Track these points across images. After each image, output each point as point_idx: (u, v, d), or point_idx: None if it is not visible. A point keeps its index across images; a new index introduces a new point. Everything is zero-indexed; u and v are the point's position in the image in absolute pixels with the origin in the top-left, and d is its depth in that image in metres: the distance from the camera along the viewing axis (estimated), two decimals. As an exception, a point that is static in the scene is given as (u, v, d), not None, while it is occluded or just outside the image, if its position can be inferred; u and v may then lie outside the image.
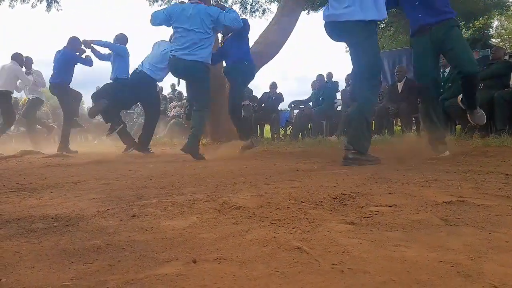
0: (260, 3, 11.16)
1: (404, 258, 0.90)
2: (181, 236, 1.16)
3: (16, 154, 5.26)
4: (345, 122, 7.00)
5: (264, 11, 11.19)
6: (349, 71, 7.70)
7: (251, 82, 6.09)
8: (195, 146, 4.23)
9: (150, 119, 5.65)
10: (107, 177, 2.70)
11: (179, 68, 4.39)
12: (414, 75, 3.73)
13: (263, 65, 7.36)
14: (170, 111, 10.49)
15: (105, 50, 6.09)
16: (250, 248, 1.02)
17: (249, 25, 4.80)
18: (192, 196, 1.79)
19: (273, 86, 9.24)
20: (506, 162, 2.69)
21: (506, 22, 21.85)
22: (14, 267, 0.94)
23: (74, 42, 6.22)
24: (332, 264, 0.87)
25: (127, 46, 6.00)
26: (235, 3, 10.89)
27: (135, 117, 11.85)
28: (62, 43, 5.94)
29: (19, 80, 7.22)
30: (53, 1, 9.57)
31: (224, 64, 5.02)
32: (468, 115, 3.60)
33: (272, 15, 8.17)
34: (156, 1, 10.38)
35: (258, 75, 7.88)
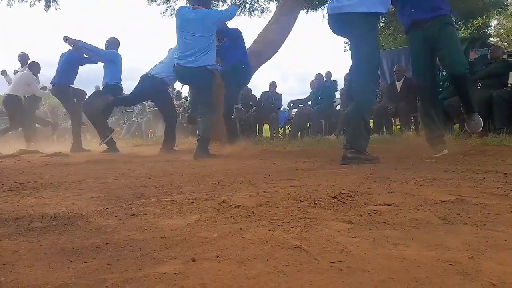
0: (259, 2, 11.14)
1: (403, 256, 0.90)
2: (180, 235, 1.16)
3: (15, 153, 5.24)
4: (344, 121, 7.01)
5: (263, 10, 11.18)
6: (348, 71, 7.71)
7: (250, 82, 6.12)
8: (205, 151, 4.29)
9: (169, 123, 5.68)
10: (105, 176, 2.69)
11: (186, 76, 4.42)
12: (413, 74, 3.73)
13: (262, 64, 7.35)
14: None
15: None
16: (249, 246, 1.02)
17: (240, 32, 4.89)
18: (191, 195, 1.79)
19: (273, 85, 9.24)
20: (505, 161, 2.70)
21: (504, 22, 21.86)
22: (13, 266, 0.94)
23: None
24: (331, 262, 0.87)
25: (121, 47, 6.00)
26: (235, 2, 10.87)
27: (134, 116, 11.84)
28: (62, 43, 5.85)
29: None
30: (52, 0, 9.54)
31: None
32: (465, 120, 3.57)
33: (271, 14, 8.16)
34: (155, 0, 10.36)
35: (257, 74, 7.87)
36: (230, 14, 4.51)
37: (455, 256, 0.89)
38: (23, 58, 7.74)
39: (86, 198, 1.83)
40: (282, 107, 9.48)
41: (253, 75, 7.00)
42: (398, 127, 7.61)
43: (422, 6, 3.20)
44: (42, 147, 6.46)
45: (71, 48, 6.04)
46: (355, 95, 3.20)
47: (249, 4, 11.06)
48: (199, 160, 4.04)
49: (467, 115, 3.46)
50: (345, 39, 17.50)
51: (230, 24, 5.10)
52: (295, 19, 7.35)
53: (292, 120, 8.81)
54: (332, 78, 8.77)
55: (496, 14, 15.06)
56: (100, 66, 6.15)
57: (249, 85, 8.81)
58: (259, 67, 7.25)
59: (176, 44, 4.50)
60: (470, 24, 13.07)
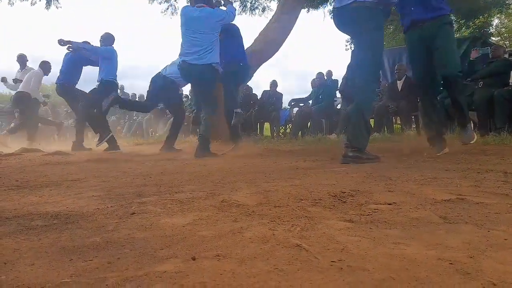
0: (260, 1, 11.14)
1: (403, 255, 0.90)
2: (181, 233, 1.16)
3: (15, 152, 5.25)
4: (344, 120, 7.00)
5: (264, 9, 11.18)
6: (346, 69, 7.68)
7: (249, 81, 6.12)
8: (206, 149, 4.30)
9: (175, 123, 5.72)
10: (106, 175, 2.70)
11: (192, 74, 4.41)
12: (412, 73, 3.72)
13: (263, 63, 7.35)
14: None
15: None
16: (249, 245, 1.02)
17: (238, 28, 4.91)
18: (191, 194, 1.79)
19: (273, 84, 9.24)
20: (505, 160, 2.69)
21: (506, 21, 21.81)
22: (14, 264, 0.94)
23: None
24: (331, 261, 0.87)
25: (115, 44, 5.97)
26: (235, 1, 10.87)
27: (134, 115, 11.84)
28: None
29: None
30: (52, -1, 9.54)
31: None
32: (460, 131, 3.51)
33: (272, 13, 8.17)
34: (156, -1, 10.36)
35: (258, 73, 7.87)
36: (233, 15, 4.54)
37: (456, 255, 0.89)
38: (22, 59, 7.75)
39: (87, 197, 1.83)
40: (283, 106, 9.49)
41: (254, 74, 7.03)
42: (399, 126, 7.61)
43: (422, 6, 3.18)
44: (43, 145, 6.48)
45: (68, 51, 6.04)
46: (355, 94, 3.19)
47: (250, 3, 11.06)
48: (200, 158, 4.05)
49: (461, 126, 3.42)
50: (346, 37, 17.49)
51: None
52: (296, 17, 7.35)
53: (293, 119, 8.80)
54: (333, 77, 8.76)
55: (498, 13, 15.02)
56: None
57: (249, 84, 8.82)
58: (260, 66, 7.25)
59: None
60: (471, 23, 13.05)
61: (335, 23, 3.22)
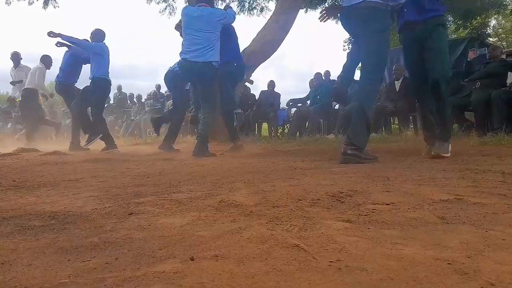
0: (258, 1, 11.14)
1: (401, 255, 0.90)
2: (179, 233, 1.16)
3: (13, 152, 5.23)
4: (342, 120, 7.01)
5: (262, 9, 11.18)
6: (342, 68, 7.67)
7: (245, 81, 6.11)
8: (204, 149, 4.30)
9: (175, 123, 5.63)
10: (104, 175, 2.69)
11: (192, 71, 4.41)
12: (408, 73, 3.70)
13: (261, 63, 7.36)
14: (168, 109, 10.46)
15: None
16: (247, 245, 1.02)
17: (233, 28, 4.92)
18: (189, 194, 1.79)
19: (271, 84, 9.25)
20: (503, 161, 2.70)
21: (503, 21, 21.89)
22: (11, 264, 0.93)
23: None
24: (330, 261, 0.87)
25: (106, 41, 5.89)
26: (233, 1, 10.88)
27: (132, 115, 11.83)
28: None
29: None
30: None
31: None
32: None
33: (270, 13, 8.16)
34: (154, -1, 10.35)
35: (256, 73, 7.86)
36: (233, 17, 4.61)
37: (454, 256, 0.89)
38: (15, 57, 7.73)
39: (84, 197, 1.83)
40: (281, 106, 9.49)
41: (252, 74, 7.02)
42: (397, 126, 7.62)
43: (415, 7, 3.16)
44: (41, 145, 6.46)
45: (57, 46, 5.99)
46: (358, 94, 3.19)
47: (248, 3, 11.06)
48: (198, 158, 4.05)
49: (441, 140, 3.13)
50: (344, 38, 17.51)
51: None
52: (294, 18, 7.35)
53: (291, 119, 8.81)
54: (331, 78, 8.77)
55: (495, 14, 15.08)
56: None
57: (247, 84, 8.81)
58: (258, 66, 7.26)
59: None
60: (469, 24, 13.08)
61: (342, 23, 3.22)
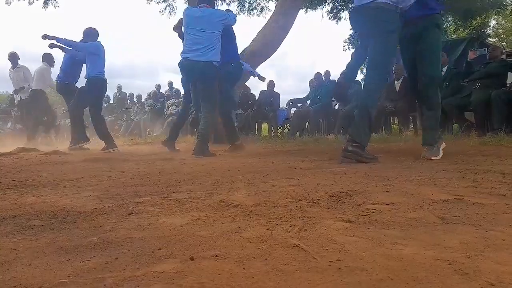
0: (258, 1, 11.15)
1: (401, 256, 0.90)
2: (179, 233, 1.16)
3: (13, 151, 5.23)
4: (343, 120, 7.01)
5: (262, 9, 11.19)
6: (345, 67, 7.67)
7: (247, 80, 6.10)
8: (204, 148, 4.31)
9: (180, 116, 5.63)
10: (104, 175, 2.69)
11: (192, 70, 4.43)
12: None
13: (261, 63, 7.36)
14: (168, 109, 10.47)
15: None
16: (247, 245, 1.02)
17: (231, 28, 4.94)
18: (189, 194, 1.79)
19: (271, 84, 9.25)
20: (503, 161, 2.70)
21: (503, 22, 21.90)
22: (11, 264, 0.93)
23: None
24: (330, 261, 0.87)
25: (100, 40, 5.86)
26: (233, 1, 10.88)
27: (132, 114, 11.82)
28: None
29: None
30: (50, -2, 9.51)
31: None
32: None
33: (270, 13, 8.16)
34: (154, -1, 10.35)
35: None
36: (234, 19, 4.67)
37: (454, 256, 0.89)
38: (13, 57, 7.72)
39: (84, 197, 1.83)
40: (281, 106, 9.49)
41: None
42: (397, 126, 7.62)
43: (414, 3, 3.13)
44: (40, 145, 6.46)
45: (50, 48, 5.95)
46: (363, 93, 3.20)
47: (248, 3, 11.07)
48: (198, 158, 4.05)
49: (427, 145, 3.14)
50: (344, 38, 17.52)
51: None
52: (294, 18, 7.35)
53: (290, 119, 8.81)
54: (331, 78, 8.77)
55: (495, 14, 15.08)
56: (106, 66, 6.17)
57: (247, 84, 8.81)
58: (258, 66, 7.25)
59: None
60: (468, 24, 13.08)
61: (351, 22, 3.22)
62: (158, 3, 10.57)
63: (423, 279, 0.77)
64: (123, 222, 1.32)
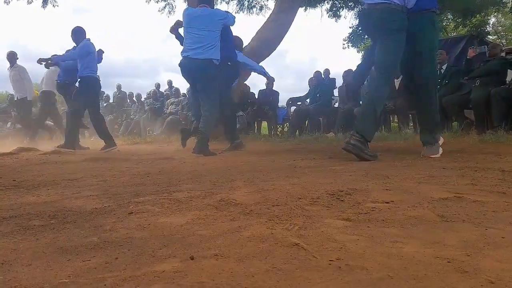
0: (257, 0, 11.12)
1: (401, 254, 0.90)
2: (179, 233, 1.16)
3: (13, 151, 5.23)
4: (342, 118, 7.01)
5: (261, 8, 11.16)
6: (346, 68, 7.67)
7: (247, 80, 6.10)
8: (205, 146, 4.31)
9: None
10: (104, 174, 2.69)
11: (193, 68, 4.43)
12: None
13: (260, 62, 7.34)
14: (167, 108, 10.46)
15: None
16: (247, 244, 1.02)
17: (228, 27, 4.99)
18: (189, 193, 1.79)
19: (270, 83, 9.23)
20: (502, 159, 2.70)
21: (503, 19, 21.90)
22: (11, 264, 0.93)
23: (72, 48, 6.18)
24: (330, 260, 0.88)
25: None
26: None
27: (132, 114, 11.81)
28: (59, 40, 5.85)
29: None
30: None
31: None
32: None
33: (269, 12, 8.15)
34: (153, -2, 10.33)
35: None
36: (233, 20, 4.72)
37: (453, 254, 0.89)
38: (11, 57, 7.71)
39: (84, 196, 1.83)
40: (280, 104, 9.49)
41: (250, 73, 7.02)
42: (396, 124, 7.62)
43: None
44: (40, 144, 6.46)
45: (47, 68, 5.98)
46: (371, 90, 3.20)
47: (248, 2, 11.05)
48: (198, 156, 4.05)
49: (426, 144, 3.15)
50: (344, 36, 17.50)
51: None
52: (294, 16, 7.34)
53: (290, 118, 8.80)
54: (331, 76, 8.76)
55: (495, 12, 15.06)
56: (103, 64, 6.20)
57: (246, 82, 8.80)
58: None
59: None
60: (468, 21, 13.06)
61: (359, 23, 3.27)
62: (157, 1, 10.55)
63: (423, 277, 0.77)
64: (123, 221, 1.32)
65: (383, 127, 7.11)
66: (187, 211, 1.44)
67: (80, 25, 5.87)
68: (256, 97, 9.42)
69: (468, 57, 6.04)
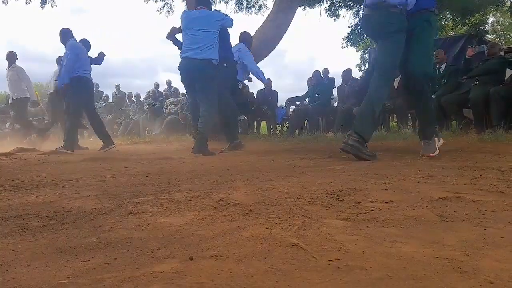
0: (256, -1, 11.11)
1: (400, 254, 0.90)
2: (178, 233, 1.16)
3: (11, 151, 5.23)
4: (342, 118, 7.01)
5: (260, 7, 11.16)
6: (345, 68, 7.67)
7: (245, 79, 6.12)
8: (204, 145, 4.31)
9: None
10: (103, 174, 2.69)
11: (191, 68, 4.44)
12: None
13: (259, 61, 7.34)
14: (166, 108, 10.46)
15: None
16: (246, 245, 1.02)
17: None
18: (188, 193, 1.79)
19: (269, 83, 9.22)
20: (501, 158, 2.71)
21: (501, 18, 21.91)
22: (10, 265, 0.93)
23: (84, 45, 6.17)
24: (329, 260, 0.88)
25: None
26: (231, -1, 10.86)
27: (131, 114, 11.81)
28: (59, 41, 5.81)
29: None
30: (48, -3, 9.48)
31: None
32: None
33: (268, 11, 8.15)
34: (151, -2, 10.33)
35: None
36: (231, 22, 4.75)
37: (453, 254, 0.89)
38: (10, 57, 7.70)
39: (83, 197, 1.82)
40: (280, 104, 9.48)
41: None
42: (396, 123, 7.63)
43: None
44: (39, 145, 6.45)
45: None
46: (370, 91, 3.21)
47: (247, 1, 11.04)
48: (197, 156, 4.05)
49: (424, 138, 3.17)
50: (343, 35, 17.51)
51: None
52: (293, 16, 7.34)
53: (289, 117, 8.80)
54: (330, 75, 8.76)
55: (493, 11, 15.08)
56: (101, 64, 6.19)
57: (245, 82, 8.80)
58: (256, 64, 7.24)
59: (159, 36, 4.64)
60: (467, 20, 13.08)
61: (362, 27, 3.30)
62: (155, 1, 10.55)
63: (422, 277, 0.77)
64: (122, 222, 1.32)
65: (382, 127, 7.11)
66: (186, 211, 1.44)
67: (68, 27, 5.89)
68: (255, 97, 9.42)
69: (467, 57, 6.05)
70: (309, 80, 8.75)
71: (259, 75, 5.87)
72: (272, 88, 9.28)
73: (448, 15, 14.39)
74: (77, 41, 5.86)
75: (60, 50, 6.15)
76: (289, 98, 8.89)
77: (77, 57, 5.59)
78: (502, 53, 6.67)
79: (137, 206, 1.56)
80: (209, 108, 4.44)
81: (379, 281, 0.76)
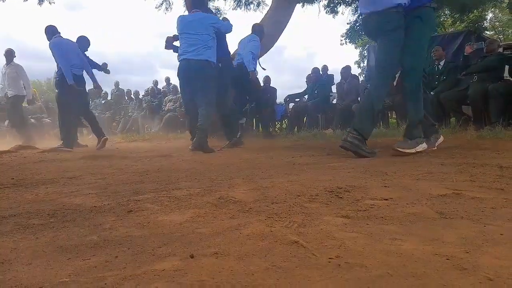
0: (255, -4, 11.06)
1: (400, 251, 0.91)
2: (178, 231, 1.16)
3: (11, 149, 5.22)
4: (341, 115, 7.01)
5: (258, 4, 11.09)
6: (344, 65, 7.67)
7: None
8: (204, 142, 4.34)
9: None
10: (102, 172, 2.69)
11: (189, 69, 4.48)
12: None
13: (258, 58, 7.33)
14: (165, 105, 10.44)
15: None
16: (247, 242, 1.02)
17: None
18: (188, 191, 1.79)
19: (267, 80, 9.22)
20: (500, 154, 2.71)
21: (500, 15, 21.89)
22: (11, 264, 0.93)
23: (83, 42, 6.14)
24: (329, 258, 0.88)
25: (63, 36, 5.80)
26: (229, -4, 10.82)
27: (130, 111, 11.79)
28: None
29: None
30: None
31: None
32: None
33: (267, 8, 8.12)
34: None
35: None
36: (229, 28, 4.80)
37: (452, 251, 0.90)
38: (9, 54, 7.67)
39: (83, 195, 1.82)
40: (279, 101, 9.48)
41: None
42: (395, 120, 7.63)
43: None
44: (38, 142, 6.44)
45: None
46: (369, 87, 3.24)
47: (245, -2, 10.99)
48: (196, 154, 4.05)
49: (408, 137, 3.10)
50: (341, 32, 17.49)
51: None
52: (291, 13, 7.33)
53: (288, 115, 8.80)
54: (329, 72, 8.76)
55: (492, 7, 15.07)
56: (99, 62, 6.20)
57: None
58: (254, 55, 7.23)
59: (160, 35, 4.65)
60: (465, 17, 13.07)
61: (362, 29, 3.31)
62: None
63: (422, 274, 0.77)
64: (123, 220, 1.32)
65: (381, 123, 7.12)
66: (187, 209, 1.44)
67: (52, 24, 5.87)
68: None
69: (465, 53, 6.05)
70: (308, 77, 8.75)
71: (248, 64, 5.91)
72: (271, 85, 9.27)
73: (447, 12, 14.37)
74: (62, 37, 5.81)
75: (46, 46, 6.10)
76: (288, 95, 8.89)
77: (65, 54, 5.57)
78: (500, 49, 6.66)
79: (137, 204, 1.56)
80: (207, 107, 4.47)
81: (379, 278, 0.76)
